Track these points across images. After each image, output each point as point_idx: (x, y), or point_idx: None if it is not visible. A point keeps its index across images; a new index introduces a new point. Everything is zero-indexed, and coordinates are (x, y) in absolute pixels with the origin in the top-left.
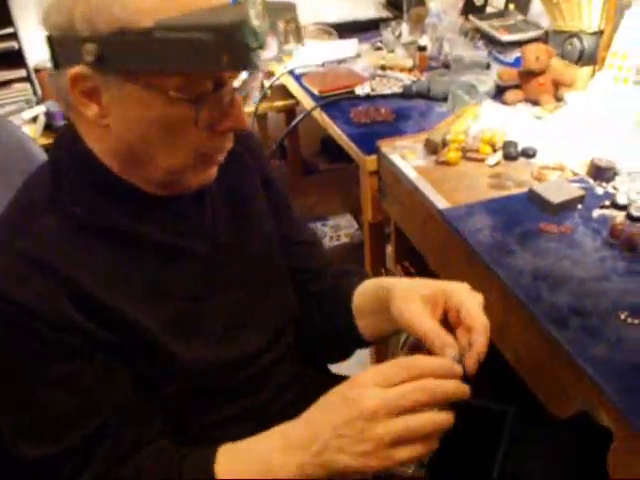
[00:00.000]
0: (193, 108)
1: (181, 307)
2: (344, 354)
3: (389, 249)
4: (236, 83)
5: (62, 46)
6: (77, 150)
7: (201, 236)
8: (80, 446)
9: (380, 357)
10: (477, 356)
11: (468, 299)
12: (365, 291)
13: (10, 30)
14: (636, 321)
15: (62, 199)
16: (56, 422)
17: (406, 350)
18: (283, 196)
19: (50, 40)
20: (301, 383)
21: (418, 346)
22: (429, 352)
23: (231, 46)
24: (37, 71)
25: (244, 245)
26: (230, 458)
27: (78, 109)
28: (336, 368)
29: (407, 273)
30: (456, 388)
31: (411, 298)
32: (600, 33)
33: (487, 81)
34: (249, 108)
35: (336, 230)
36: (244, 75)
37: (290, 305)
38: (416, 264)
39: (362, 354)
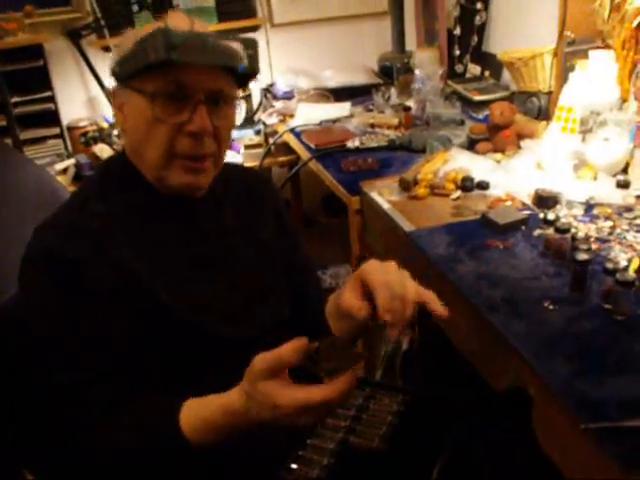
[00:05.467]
0: (150, 102)
1: (189, 284)
2: None
3: None
4: None
5: None
6: (125, 161)
7: (211, 235)
8: (106, 374)
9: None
10: (381, 308)
11: (371, 271)
12: (331, 297)
13: (49, 93)
14: (557, 307)
15: (108, 192)
16: (85, 357)
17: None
18: (292, 228)
19: None
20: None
21: None
22: None
23: (145, 52)
24: (69, 129)
25: (248, 253)
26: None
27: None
28: None
29: None
30: None
31: (343, 289)
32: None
33: (461, 135)
34: None
35: (335, 278)
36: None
37: (282, 309)
38: None
39: None
